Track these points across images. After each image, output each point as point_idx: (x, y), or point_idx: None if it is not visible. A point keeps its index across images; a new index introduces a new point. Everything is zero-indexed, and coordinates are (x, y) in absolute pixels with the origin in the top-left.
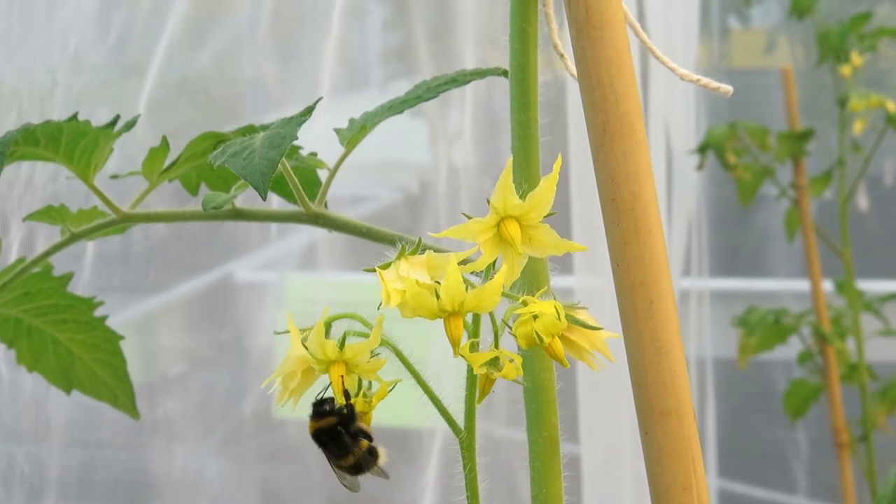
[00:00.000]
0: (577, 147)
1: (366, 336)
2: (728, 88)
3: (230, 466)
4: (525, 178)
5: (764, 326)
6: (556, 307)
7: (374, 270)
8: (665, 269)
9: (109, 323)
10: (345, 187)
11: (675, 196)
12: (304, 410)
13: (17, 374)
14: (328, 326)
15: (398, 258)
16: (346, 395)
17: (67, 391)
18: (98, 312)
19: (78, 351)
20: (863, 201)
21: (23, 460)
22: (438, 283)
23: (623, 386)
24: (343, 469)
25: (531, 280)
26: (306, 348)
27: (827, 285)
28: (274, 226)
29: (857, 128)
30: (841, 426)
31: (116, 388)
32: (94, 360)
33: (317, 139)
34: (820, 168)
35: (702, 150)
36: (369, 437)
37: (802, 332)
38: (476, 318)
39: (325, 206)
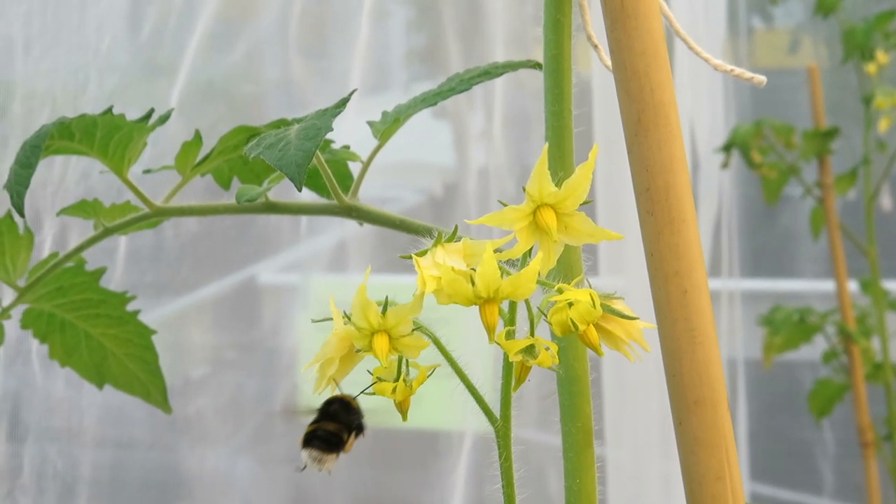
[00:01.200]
0: (602, 149)
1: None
2: (762, 79)
3: (255, 467)
4: (560, 168)
5: (789, 325)
6: (591, 295)
7: (411, 258)
8: (699, 258)
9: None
10: (369, 189)
11: (701, 195)
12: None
13: (49, 379)
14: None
15: (434, 245)
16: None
17: (100, 386)
18: (130, 307)
19: (110, 345)
20: (886, 202)
21: (55, 458)
22: (474, 270)
23: (650, 387)
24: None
25: (565, 269)
26: (348, 319)
27: (852, 285)
28: (304, 226)
29: (883, 126)
30: (866, 425)
31: (149, 383)
32: (127, 354)
33: (345, 139)
34: (845, 167)
35: (727, 148)
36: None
37: (827, 332)
38: (512, 305)
39: (358, 199)
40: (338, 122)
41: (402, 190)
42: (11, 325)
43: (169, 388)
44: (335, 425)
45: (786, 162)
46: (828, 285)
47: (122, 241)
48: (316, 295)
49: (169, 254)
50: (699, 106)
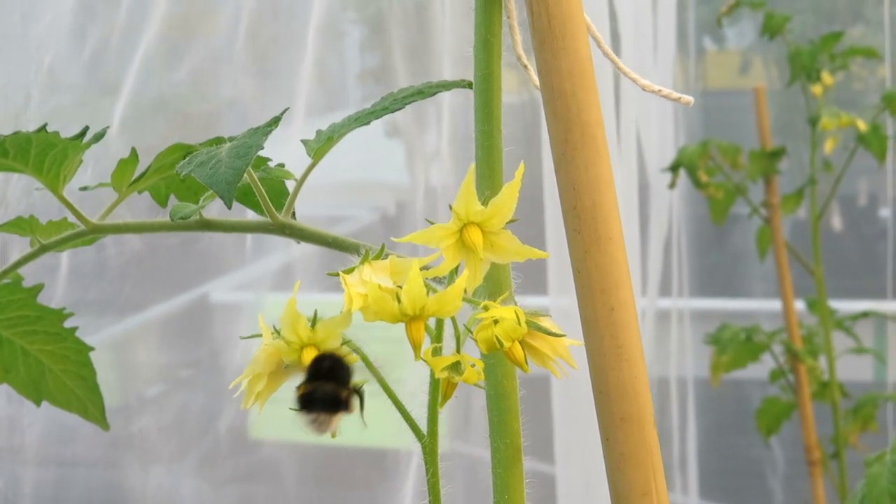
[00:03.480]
0: (551, 165)
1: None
2: (689, 99)
3: (206, 486)
4: (488, 186)
5: (736, 344)
6: (516, 312)
7: (338, 275)
8: (625, 276)
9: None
10: (322, 208)
11: (652, 215)
12: (280, 431)
13: None
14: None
15: (361, 263)
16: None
17: (38, 403)
18: (68, 324)
19: (48, 362)
20: (836, 221)
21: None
22: (401, 287)
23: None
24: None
25: (493, 288)
26: (278, 334)
27: (800, 305)
28: (248, 245)
29: (829, 147)
30: (813, 444)
31: (86, 400)
32: (64, 371)
33: (293, 158)
34: (796, 186)
35: (674, 168)
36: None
37: (774, 350)
38: (439, 322)
39: (294, 216)
40: (285, 142)
41: (355, 209)
42: None
43: (119, 407)
44: (332, 385)
45: (733, 182)
46: (776, 304)
47: (63, 260)
48: (268, 313)
49: (111, 272)
50: (648, 126)
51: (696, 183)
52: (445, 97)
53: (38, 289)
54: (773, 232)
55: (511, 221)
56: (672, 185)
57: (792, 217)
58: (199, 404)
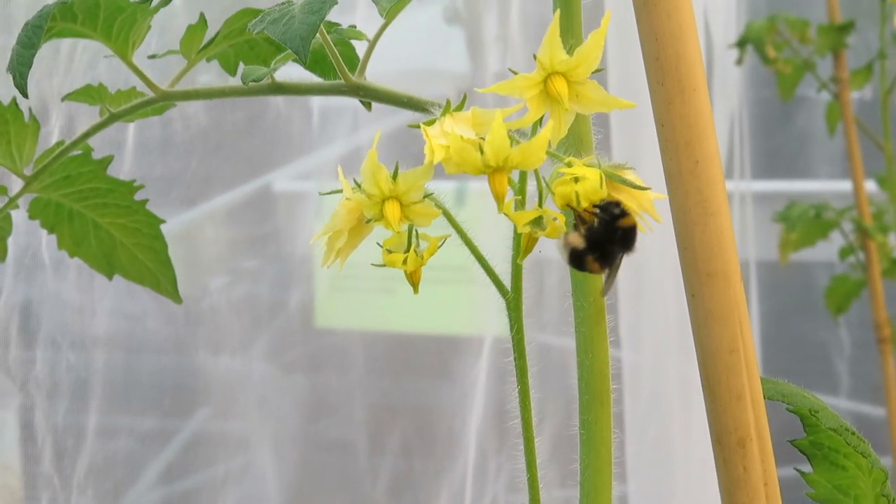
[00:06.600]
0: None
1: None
2: None
3: (272, 376)
4: (569, 36)
5: (805, 221)
6: (600, 176)
7: (419, 126)
8: (710, 128)
9: None
10: None
11: (717, 94)
12: (344, 318)
13: (61, 285)
14: None
15: (443, 114)
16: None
17: (109, 276)
18: (139, 197)
19: (119, 235)
20: None
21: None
22: (483, 139)
23: (666, 288)
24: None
25: (576, 142)
26: (358, 187)
27: (870, 185)
28: (315, 131)
29: None
30: (883, 321)
31: (158, 273)
32: (136, 244)
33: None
34: (861, 65)
35: (741, 44)
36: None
37: (844, 228)
38: (522, 176)
39: (365, 78)
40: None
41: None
42: (19, 233)
43: (185, 295)
44: (619, 251)
45: (801, 57)
46: (843, 185)
47: (127, 159)
48: (330, 202)
49: (177, 148)
50: (714, 2)
51: (764, 58)
52: None
53: (107, 160)
54: (842, 107)
55: (597, 71)
56: (739, 62)
57: (858, 95)
58: (264, 293)
